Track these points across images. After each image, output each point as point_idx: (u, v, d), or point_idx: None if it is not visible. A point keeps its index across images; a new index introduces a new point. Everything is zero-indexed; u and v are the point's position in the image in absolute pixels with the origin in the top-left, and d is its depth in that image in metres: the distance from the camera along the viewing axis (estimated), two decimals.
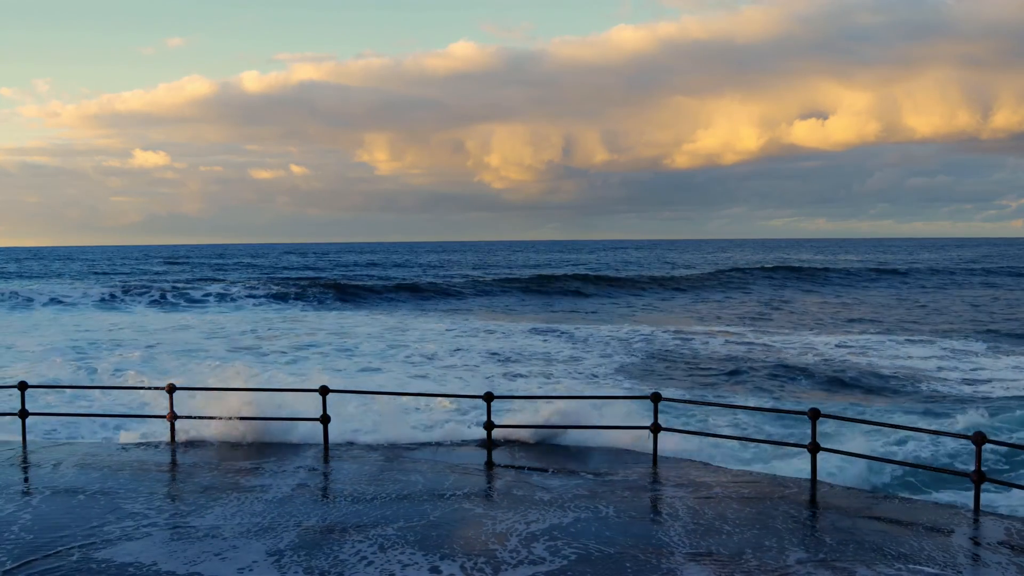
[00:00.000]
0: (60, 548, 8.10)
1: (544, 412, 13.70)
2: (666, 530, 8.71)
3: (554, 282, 66.64)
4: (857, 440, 14.53)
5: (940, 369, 27.05)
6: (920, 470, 13.09)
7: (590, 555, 7.93)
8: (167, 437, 13.13)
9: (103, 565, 7.64)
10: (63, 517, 9.09)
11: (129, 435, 14.23)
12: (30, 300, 50.99)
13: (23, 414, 13.20)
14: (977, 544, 8.43)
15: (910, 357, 29.66)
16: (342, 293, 55.96)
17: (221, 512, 9.28)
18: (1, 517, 9.11)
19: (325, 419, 12.64)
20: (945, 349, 31.48)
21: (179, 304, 51.52)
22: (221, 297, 53.87)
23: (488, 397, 12.31)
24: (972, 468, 9.62)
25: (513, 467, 11.73)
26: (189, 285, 60.10)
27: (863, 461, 12.95)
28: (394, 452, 12.49)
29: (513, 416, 14.22)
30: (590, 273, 78.85)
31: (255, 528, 8.71)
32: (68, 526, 8.77)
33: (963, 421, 18.17)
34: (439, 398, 19.01)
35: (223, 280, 66.97)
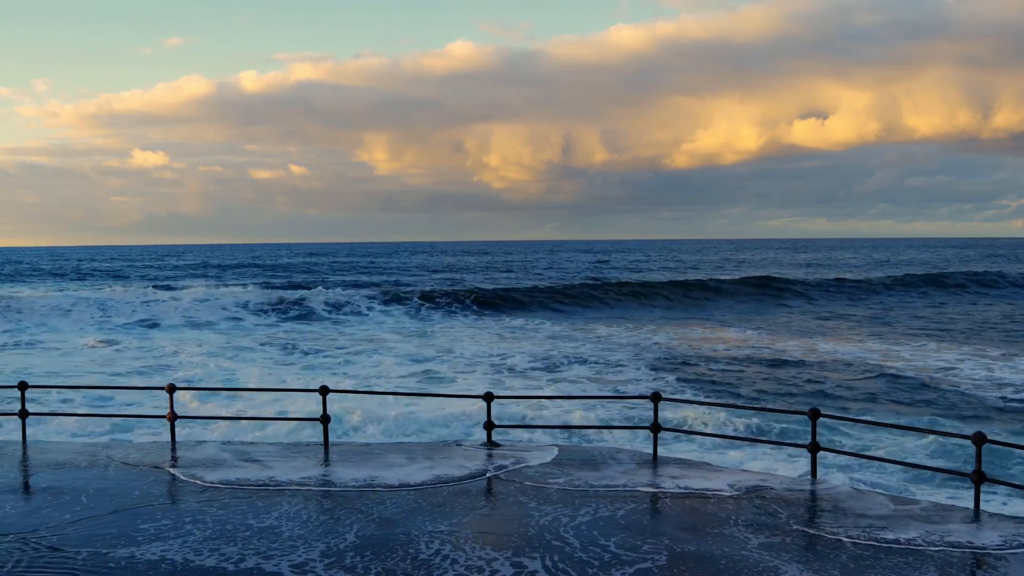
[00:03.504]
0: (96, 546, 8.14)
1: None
2: (726, 528, 8.73)
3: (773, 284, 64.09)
4: None
5: None
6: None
7: (669, 553, 7.94)
8: (167, 436, 13.14)
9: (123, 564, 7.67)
10: (86, 519, 9.09)
11: (129, 434, 14.25)
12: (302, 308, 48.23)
13: (23, 414, 13.20)
14: (978, 543, 8.44)
15: None
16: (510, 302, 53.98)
17: (243, 512, 9.28)
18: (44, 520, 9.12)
19: (325, 419, 12.65)
20: None
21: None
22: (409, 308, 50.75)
23: (488, 397, 12.33)
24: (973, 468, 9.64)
25: (522, 465, 11.67)
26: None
27: None
28: (401, 450, 12.47)
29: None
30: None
31: (297, 531, 8.61)
32: (91, 528, 8.78)
33: None
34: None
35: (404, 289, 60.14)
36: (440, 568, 7.49)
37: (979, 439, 9.42)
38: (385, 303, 51.72)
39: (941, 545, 8.28)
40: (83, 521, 8.92)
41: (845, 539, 8.40)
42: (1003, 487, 11.72)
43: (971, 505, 9.72)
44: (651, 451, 12.06)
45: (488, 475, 10.89)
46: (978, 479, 9.53)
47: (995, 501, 13.06)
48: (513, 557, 7.77)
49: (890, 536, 8.51)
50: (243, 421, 17.77)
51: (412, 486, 10.30)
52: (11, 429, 15.79)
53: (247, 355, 32.80)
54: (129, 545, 8.14)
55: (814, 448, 10.84)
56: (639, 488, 10.26)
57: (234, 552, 7.94)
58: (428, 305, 51.68)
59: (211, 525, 8.77)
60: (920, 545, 8.25)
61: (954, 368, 28.38)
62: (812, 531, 8.72)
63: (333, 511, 9.29)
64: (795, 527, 8.81)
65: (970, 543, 8.38)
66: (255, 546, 8.10)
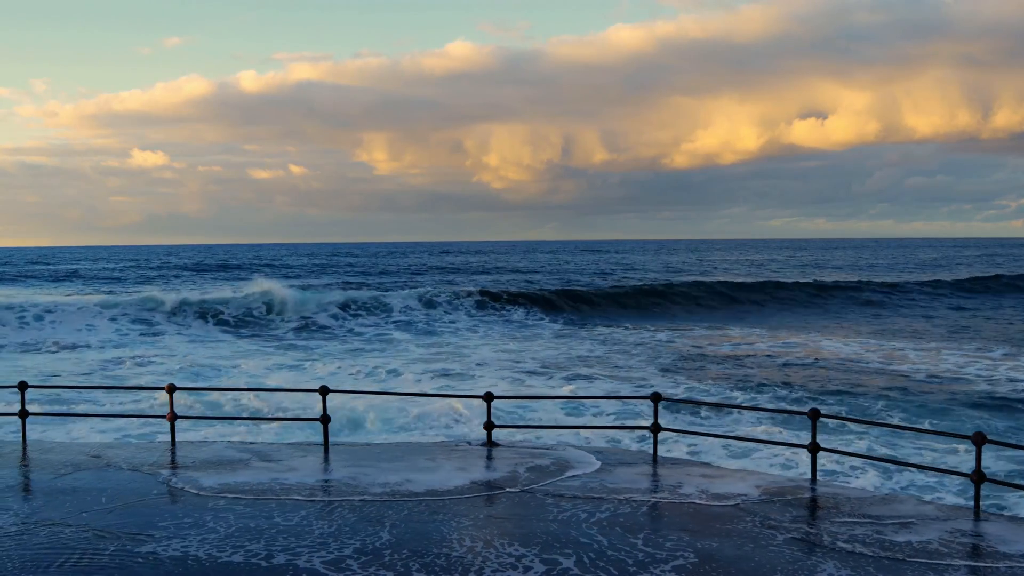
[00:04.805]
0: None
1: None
2: (739, 525, 8.77)
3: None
4: None
5: None
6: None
7: (695, 551, 7.97)
8: (167, 437, 13.15)
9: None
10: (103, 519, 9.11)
11: (129, 435, 14.26)
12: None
13: (23, 414, 13.21)
14: (978, 544, 8.44)
15: None
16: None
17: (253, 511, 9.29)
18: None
19: (325, 419, 12.65)
20: None
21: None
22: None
23: (488, 397, 12.33)
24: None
25: (528, 466, 11.61)
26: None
27: None
28: (406, 450, 12.46)
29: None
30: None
31: (319, 530, 8.62)
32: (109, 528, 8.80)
33: None
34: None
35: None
36: (474, 566, 7.55)
37: (979, 439, 9.40)
38: (390, 303, 51.69)
39: (955, 545, 8.30)
40: (86, 517, 8.94)
41: (860, 538, 8.40)
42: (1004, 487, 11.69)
43: (971, 504, 9.72)
44: (652, 452, 12.06)
45: (495, 477, 10.90)
46: (978, 479, 9.52)
47: (996, 500, 13.06)
48: (543, 554, 7.86)
49: (902, 537, 8.50)
50: (244, 421, 17.81)
51: (422, 487, 10.31)
52: (11, 430, 15.79)
53: (251, 356, 32.83)
54: (145, 543, 8.18)
55: (814, 448, 10.82)
56: (647, 489, 10.31)
57: (261, 549, 8.03)
58: (433, 305, 51.54)
59: (233, 523, 8.83)
60: (935, 544, 8.28)
61: (957, 368, 28.37)
62: (823, 531, 8.72)
63: (333, 511, 9.29)
64: (805, 527, 8.82)
65: (977, 544, 8.39)
66: (283, 543, 8.17)
